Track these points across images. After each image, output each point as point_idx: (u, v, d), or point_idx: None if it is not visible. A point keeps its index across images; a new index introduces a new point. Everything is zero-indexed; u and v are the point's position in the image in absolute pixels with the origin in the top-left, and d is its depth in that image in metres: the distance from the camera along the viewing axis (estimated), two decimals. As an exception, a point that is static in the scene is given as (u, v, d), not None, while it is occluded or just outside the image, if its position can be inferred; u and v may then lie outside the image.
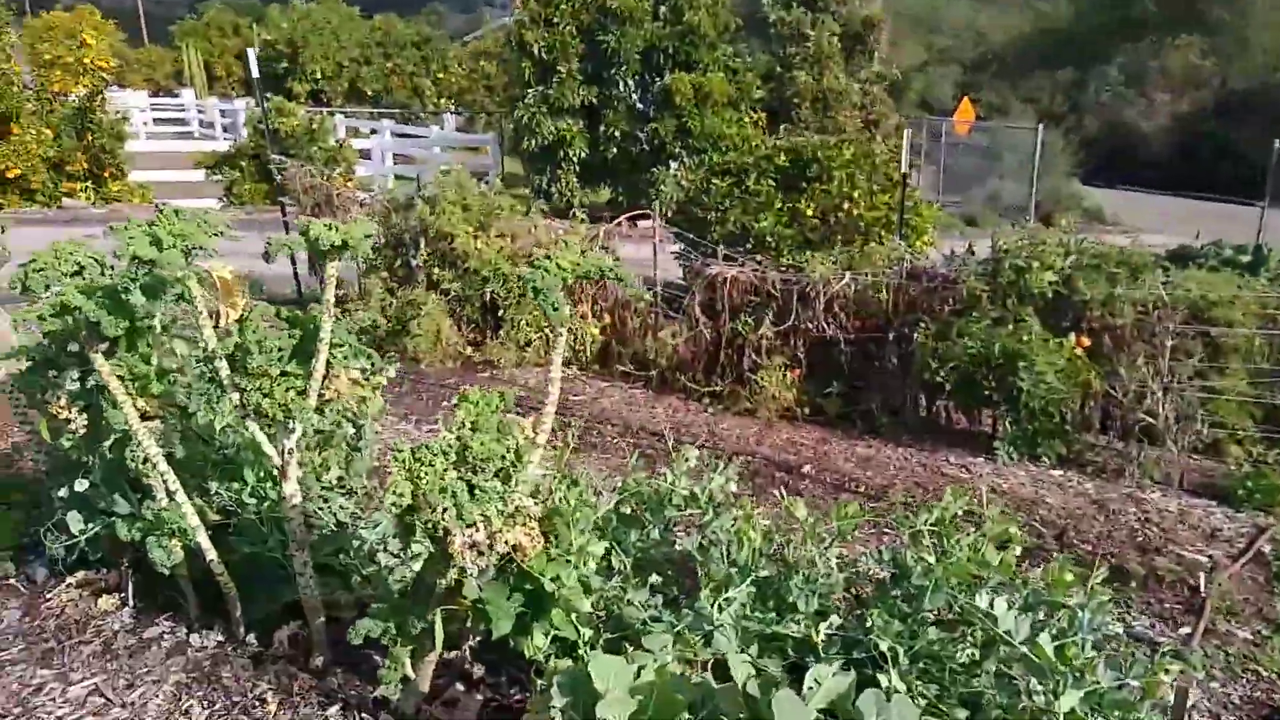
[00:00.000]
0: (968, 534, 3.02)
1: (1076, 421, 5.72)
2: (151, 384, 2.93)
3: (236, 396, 2.65)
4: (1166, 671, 2.46)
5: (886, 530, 4.63)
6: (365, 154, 18.51)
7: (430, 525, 2.20)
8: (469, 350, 7.14)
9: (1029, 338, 5.41)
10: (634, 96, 15.94)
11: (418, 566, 2.28)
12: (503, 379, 6.84)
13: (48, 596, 3.44)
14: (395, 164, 19.90)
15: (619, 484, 3.42)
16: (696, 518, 3.32)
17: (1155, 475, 5.51)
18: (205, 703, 2.86)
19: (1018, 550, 3.14)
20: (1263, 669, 3.40)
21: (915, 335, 5.83)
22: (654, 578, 2.91)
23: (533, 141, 15.81)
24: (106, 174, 16.32)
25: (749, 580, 2.90)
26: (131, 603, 3.37)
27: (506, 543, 2.36)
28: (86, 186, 16.08)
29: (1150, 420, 5.49)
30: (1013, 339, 5.42)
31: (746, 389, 6.30)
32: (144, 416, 2.82)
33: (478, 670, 2.95)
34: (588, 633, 2.76)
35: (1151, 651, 3.50)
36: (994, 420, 5.97)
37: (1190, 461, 5.70)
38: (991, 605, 2.61)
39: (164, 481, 2.82)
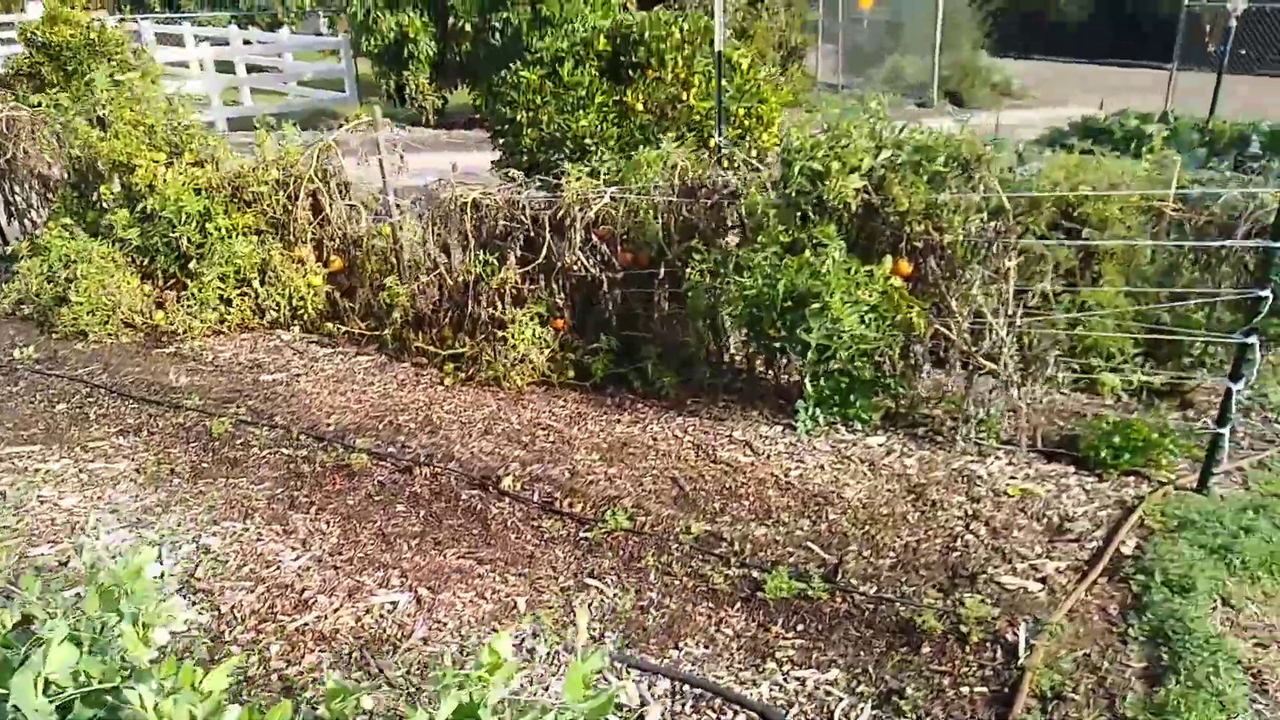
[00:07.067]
0: None
1: (900, 372, 4.39)
2: None
3: None
4: None
5: (593, 578, 3.23)
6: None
7: None
8: (159, 316, 5.51)
9: (826, 269, 3.99)
10: (481, -19, 13.97)
11: None
12: (186, 353, 5.27)
13: None
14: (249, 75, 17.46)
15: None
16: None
17: (1002, 434, 4.24)
18: None
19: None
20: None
21: (689, 271, 4.39)
22: None
23: (373, 40, 14.00)
24: None
25: None
26: None
27: None
28: None
29: (991, 365, 4.17)
30: (804, 272, 4.00)
31: (493, 350, 4.85)
32: None
33: None
34: None
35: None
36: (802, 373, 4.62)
37: (1059, 398, 4.44)
38: None
39: None
